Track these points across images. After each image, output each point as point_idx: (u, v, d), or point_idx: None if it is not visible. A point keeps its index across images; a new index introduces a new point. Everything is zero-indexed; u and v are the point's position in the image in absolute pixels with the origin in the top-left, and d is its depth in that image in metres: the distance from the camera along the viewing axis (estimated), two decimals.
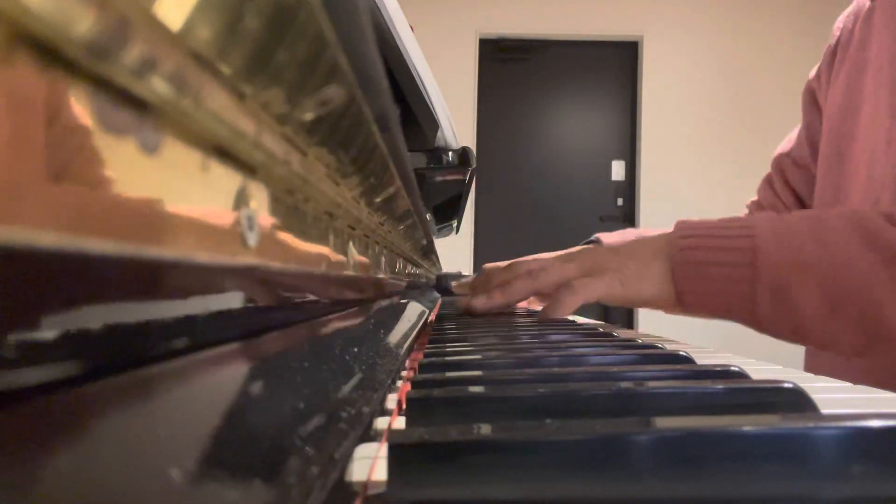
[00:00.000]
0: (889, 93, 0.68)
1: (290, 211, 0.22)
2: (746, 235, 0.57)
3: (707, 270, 0.58)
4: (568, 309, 0.62)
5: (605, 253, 0.64)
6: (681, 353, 0.34)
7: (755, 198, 0.95)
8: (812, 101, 0.85)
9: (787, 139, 0.90)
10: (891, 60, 0.68)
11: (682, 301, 0.60)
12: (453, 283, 1.12)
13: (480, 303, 0.68)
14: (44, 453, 0.09)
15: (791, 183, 0.89)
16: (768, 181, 0.93)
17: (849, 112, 0.74)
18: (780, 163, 0.90)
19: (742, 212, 0.98)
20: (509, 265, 0.70)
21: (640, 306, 0.63)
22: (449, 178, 0.86)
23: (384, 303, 0.51)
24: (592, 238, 0.97)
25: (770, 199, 0.91)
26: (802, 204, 0.87)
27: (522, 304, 0.88)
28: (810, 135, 0.85)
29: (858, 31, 0.75)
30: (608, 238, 0.94)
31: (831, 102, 0.78)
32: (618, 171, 3.74)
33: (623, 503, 0.16)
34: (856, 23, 0.77)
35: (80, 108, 0.10)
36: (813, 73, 0.85)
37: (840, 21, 0.80)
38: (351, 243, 0.34)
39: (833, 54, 0.80)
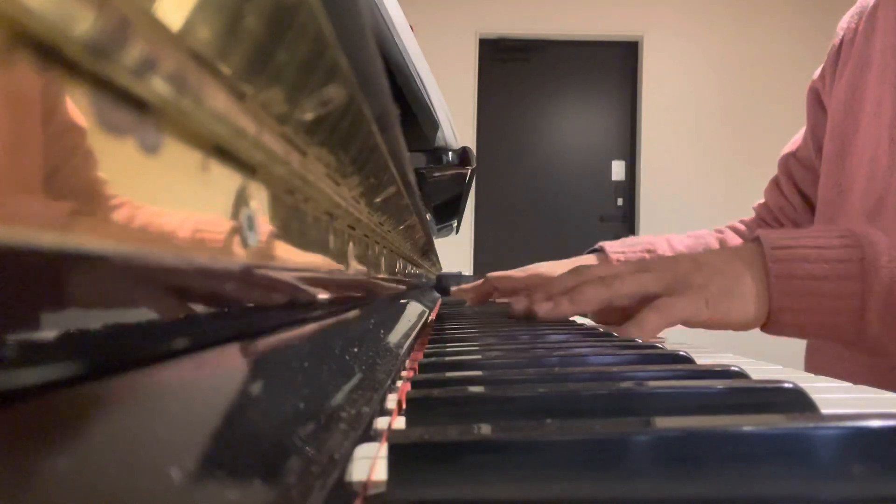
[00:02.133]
0: (892, 89, 0.67)
1: (290, 211, 0.22)
2: (853, 245, 0.50)
3: (810, 285, 0.50)
4: (651, 332, 0.52)
5: (686, 265, 0.55)
6: (681, 352, 0.34)
7: (762, 200, 0.94)
8: (816, 100, 0.84)
9: (793, 140, 0.89)
10: (895, 58, 0.68)
11: (778, 320, 0.52)
12: (453, 288, 1.09)
13: (544, 309, 0.58)
14: (44, 453, 0.09)
15: (798, 184, 0.88)
16: (776, 183, 0.91)
17: (852, 109, 0.73)
18: (786, 164, 0.89)
19: (746, 213, 0.97)
20: (575, 269, 0.61)
21: (725, 328, 0.54)
22: (449, 178, 0.86)
23: (384, 303, 0.51)
24: (595, 247, 0.95)
25: (779, 201, 0.90)
26: (811, 205, 0.87)
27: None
28: (815, 135, 0.83)
29: (862, 29, 0.75)
30: (611, 247, 0.91)
31: (835, 100, 0.77)
32: (618, 171, 3.74)
33: (623, 503, 0.16)
34: (860, 21, 0.76)
35: (81, 108, 0.10)
36: (817, 73, 0.84)
37: (844, 21, 0.79)
38: (351, 243, 0.34)
39: (837, 53, 0.79)
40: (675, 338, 0.53)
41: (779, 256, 0.52)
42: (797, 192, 0.88)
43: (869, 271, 0.49)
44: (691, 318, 0.53)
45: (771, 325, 0.54)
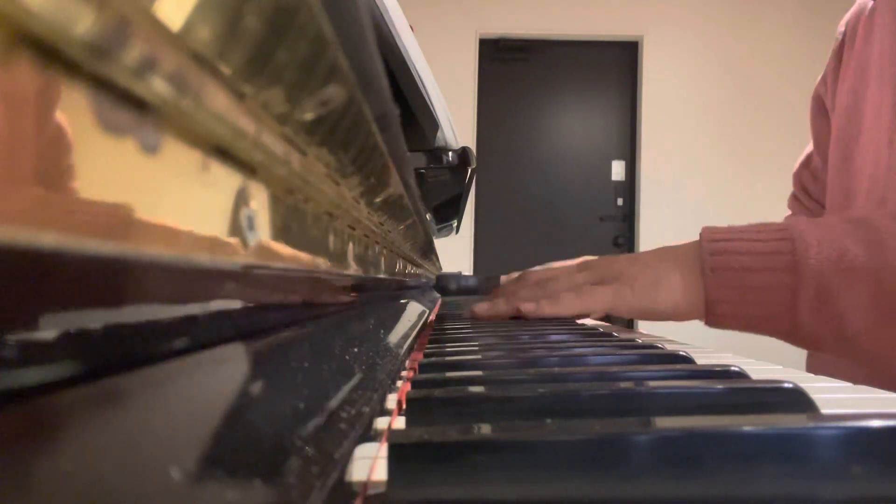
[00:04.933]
0: (891, 93, 0.67)
1: (290, 211, 0.22)
2: (785, 238, 0.53)
3: (743, 277, 0.53)
4: (564, 309, 0.58)
5: (623, 261, 0.60)
6: (681, 353, 0.34)
7: (789, 213, 0.94)
8: (820, 108, 0.83)
9: (803, 155, 0.89)
10: (892, 61, 0.68)
11: (714, 311, 0.55)
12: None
13: (482, 308, 0.64)
14: (44, 453, 0.09)
15: (815, 196, 0.87)
16: (795, 198, 0.91)
17: (853, 113, 0.73)
18: (800, 179, 0.89)
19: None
20: (522, 274, 0.66)
21: (655, 318, 0.58)
22: (449, 178, 0.86)
23: (384, 303, 0.51)
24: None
25: (805, 212, 0.90)
26: None
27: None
28: (820, 144, 0.83)
29: (861, 32, 0.74)
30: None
31: (838, 104, 0.76)
32: (618, 171, 3.74)
33: (623, 503, 0.16)
34: (858, 23, 0.76)
35: (80, 107, 0.10)
36: (820, 78, 0.84)
37: (842, 24, 0.79)
38: (351, 243, 0.34)
39: (839, 56, 0.79)
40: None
41: (714, 249, 0.55)
42: (816, 202, 0.88)
43: (799, 263, 0.51)
44: (615, 305, 0.57)
45: (709, 316, 0.56)
